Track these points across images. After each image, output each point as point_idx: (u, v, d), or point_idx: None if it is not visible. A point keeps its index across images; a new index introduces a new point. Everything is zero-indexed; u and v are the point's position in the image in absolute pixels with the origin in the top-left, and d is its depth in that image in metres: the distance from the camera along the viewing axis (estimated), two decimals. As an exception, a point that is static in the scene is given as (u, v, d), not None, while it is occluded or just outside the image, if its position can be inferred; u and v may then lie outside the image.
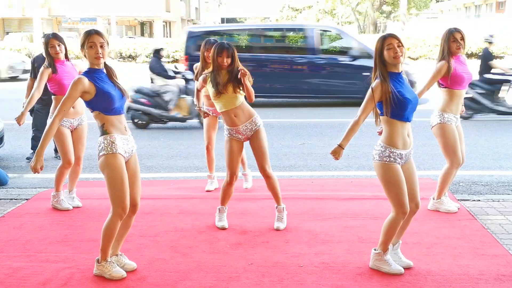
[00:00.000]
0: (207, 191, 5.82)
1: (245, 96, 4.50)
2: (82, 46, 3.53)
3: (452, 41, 4.67)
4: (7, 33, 42.51)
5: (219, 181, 6.01)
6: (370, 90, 3.52)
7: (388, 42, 3.48)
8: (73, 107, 5.01)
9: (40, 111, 7.31)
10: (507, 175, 6.53)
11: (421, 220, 4.68)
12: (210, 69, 4.54)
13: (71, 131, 5.12)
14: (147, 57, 26.87)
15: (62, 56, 5.14)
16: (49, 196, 5.41)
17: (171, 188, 5.98)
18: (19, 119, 5.14)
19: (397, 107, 3.48)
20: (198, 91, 5.22)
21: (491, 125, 9.79)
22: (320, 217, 4.92)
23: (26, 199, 5.54)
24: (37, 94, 5.17)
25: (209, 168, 5.89)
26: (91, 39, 3.48)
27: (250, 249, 4.21)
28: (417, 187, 3.70)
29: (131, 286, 3.61)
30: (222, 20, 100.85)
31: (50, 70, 5.07)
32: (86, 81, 3.49)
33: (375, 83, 3.53)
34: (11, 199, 5.57)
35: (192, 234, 4.55)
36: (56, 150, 7.38)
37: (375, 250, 3.79)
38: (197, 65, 5.68)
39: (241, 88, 4.42)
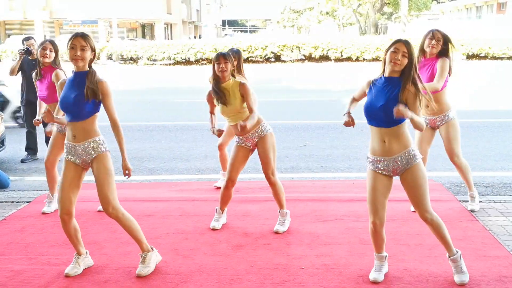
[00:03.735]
0: (217, 188, 5.91)
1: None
2: (67, 46, 3.66)
3: (429, 38, 4.71)
4: (9, 35, 42.61)
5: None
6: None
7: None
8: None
9: (27, 115, 7.58)
10: (508, 176, 6.53)
11: (422, 221, 4.67)
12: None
13: None
14: (148, 59, 26.91)
15: (48, 61, 5.18)
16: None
17: (173, 190, 5.98)
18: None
19: (365, 112, 3.54)
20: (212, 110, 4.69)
21: (493, 126, 9.78)
22: (321, 219, 4.91)
23: (28, 202, 5.55)
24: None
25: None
26: (73, 41, 3.59)
27: (251, 251, 4.21)
28: (421, 196, 3.53)
29: (133, 288, 3.61)
30: (223, 22, 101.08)
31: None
32: (62, 84, 3.78)
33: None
34: (12, 201, 5.58)
35: (193, 236, 4.55)
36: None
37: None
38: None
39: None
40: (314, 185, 6.19)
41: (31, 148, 7.70)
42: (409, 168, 3.49)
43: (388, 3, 48.55)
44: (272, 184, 4.55)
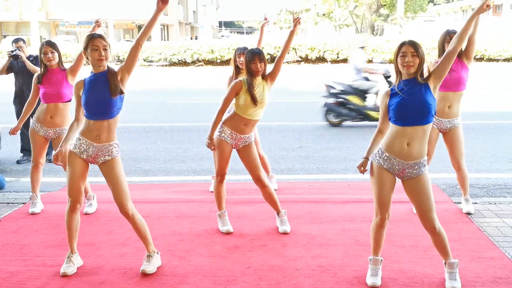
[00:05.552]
0: (212, 192, 5.84)
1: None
2: (85, 49, 3.63)
3: (447, 42, 4.72)
4: (5, 36, 42.49)
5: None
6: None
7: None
8: (50, 117, 5.03)
9: (20, 115, 7.57)
10: (503, 177, 6.55)
11: (417, 223, 4.67)
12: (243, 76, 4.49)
13: (51, 140, 5.13)
14: (145, 60, 26.87)
15: (55, 63, 5.07)
16: (45, 200, 5.41)
17: (169, 192, 5.98)
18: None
19: (395, 111, 3.43)
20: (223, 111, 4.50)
21: (488, 127, 9.82)
22: (317, 221, 4.92)
23: (23, 203, 5.54)
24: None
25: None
26: (95, 43, 3.59)
27: (247, 253, 4.21)
28: (430, 204, 3.49)
29: (128, 290, 3.61)
30: (220, 24, 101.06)
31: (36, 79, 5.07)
32: (81, 84, 3.72)
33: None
34: (8, 203, 5.57)
35: (189, 237, 4.55)
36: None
37: None
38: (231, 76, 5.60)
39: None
40: (309, 186, 6.19)
41: (27, 149, 7.69)
42: (418, 176, 3.47)
43: (384, 5, 48.66)
44: (264, 186, 4.56)
